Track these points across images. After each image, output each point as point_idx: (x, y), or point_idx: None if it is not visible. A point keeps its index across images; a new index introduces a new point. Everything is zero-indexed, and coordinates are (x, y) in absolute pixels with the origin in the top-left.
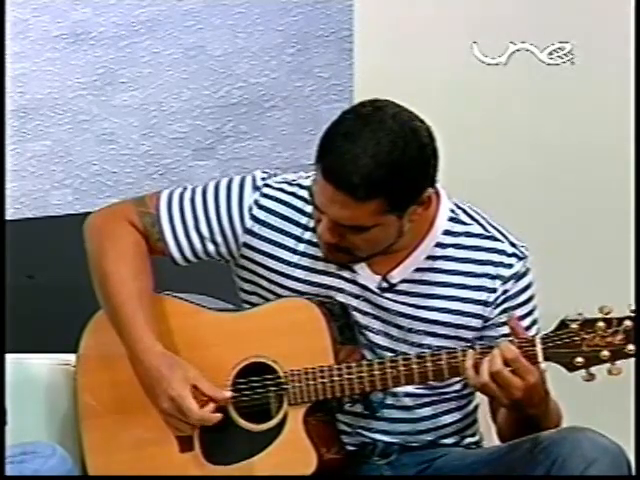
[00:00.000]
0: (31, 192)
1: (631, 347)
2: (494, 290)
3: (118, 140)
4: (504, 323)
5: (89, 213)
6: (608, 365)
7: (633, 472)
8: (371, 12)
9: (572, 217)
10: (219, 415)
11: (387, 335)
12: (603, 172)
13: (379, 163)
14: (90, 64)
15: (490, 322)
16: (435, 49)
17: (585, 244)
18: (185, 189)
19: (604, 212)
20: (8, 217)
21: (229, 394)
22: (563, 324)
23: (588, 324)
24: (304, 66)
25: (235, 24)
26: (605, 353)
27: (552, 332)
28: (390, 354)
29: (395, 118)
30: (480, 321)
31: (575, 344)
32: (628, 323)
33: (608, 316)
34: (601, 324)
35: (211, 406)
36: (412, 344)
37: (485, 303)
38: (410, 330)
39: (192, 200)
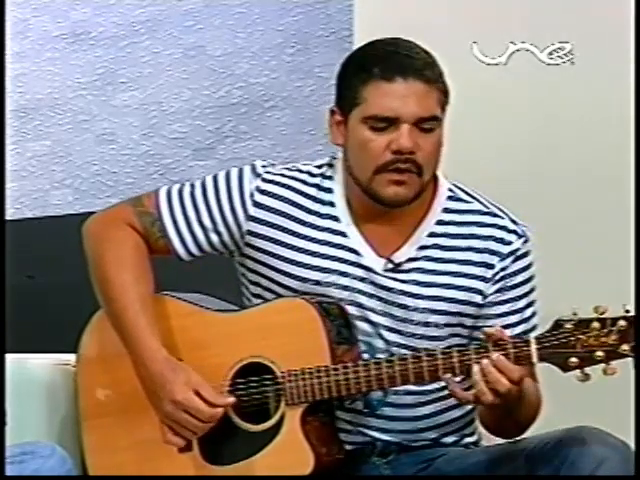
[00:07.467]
0: (31, 192)
1: (625, 347)
2: (492, 266)
3: (118, 140)
4: (498, 303)
5: (89, 213)
6: (603, 365)
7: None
8: (371, 12)
9: (571, 217)
10: (232, 398)
11: (391, 316)
12: (603, 172)
13: (428, 52)
14: (90, 64)
15: (487, 299)
16: (435, 49)
17: (584, 244)
18: (183, 185)
19: (603, 212)
20: (8, 217)
21: (231, 399)
22: (557, 324)
23: (583, 324)
24: (304, 66)
25: (235, 24)
26: (599, 353)
27: (546, 332)
28: (394, 335)
29: None
30: (480, 297)
31: (569, 344)
32: (622, 323)
33: (603, 316)
34: (595, 324)
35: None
36: (417, 324)
37: (484, 279)
38: (416, 309)
39: (192, 194)
